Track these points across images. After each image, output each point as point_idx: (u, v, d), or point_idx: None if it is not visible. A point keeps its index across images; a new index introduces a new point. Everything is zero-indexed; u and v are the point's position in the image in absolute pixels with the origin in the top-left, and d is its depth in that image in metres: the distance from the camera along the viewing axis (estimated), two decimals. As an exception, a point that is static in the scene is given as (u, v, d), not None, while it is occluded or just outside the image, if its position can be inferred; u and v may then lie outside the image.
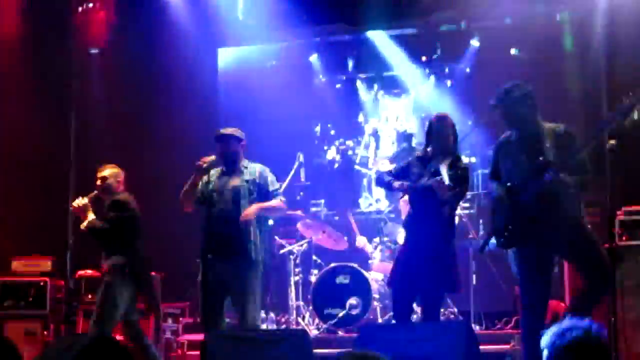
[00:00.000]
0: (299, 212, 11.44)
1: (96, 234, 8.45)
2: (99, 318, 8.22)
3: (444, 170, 7.23)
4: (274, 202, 7.92)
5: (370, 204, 12.21)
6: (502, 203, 6.95)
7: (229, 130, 8.06)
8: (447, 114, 7.68)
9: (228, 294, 7.68)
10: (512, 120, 6.98)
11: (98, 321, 8.21)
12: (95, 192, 8.66)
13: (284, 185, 11.32)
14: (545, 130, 6.86)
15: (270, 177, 8.04)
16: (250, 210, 7.71)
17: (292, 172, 11.63)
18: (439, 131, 7.42)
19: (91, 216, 8.45)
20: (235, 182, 7.87)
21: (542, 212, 6.71)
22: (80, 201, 8.52)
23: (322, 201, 12.53)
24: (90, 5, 11.80)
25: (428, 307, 7.41)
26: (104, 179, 8.68)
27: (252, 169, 8.00)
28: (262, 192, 7.89)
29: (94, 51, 12.46)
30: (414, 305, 8.22)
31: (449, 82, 13.10)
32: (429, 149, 7.47)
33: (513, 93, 6.87)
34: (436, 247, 7.31)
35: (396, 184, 7.46)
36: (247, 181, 7.89)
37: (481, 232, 10.74)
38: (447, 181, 7.13)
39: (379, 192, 12.39)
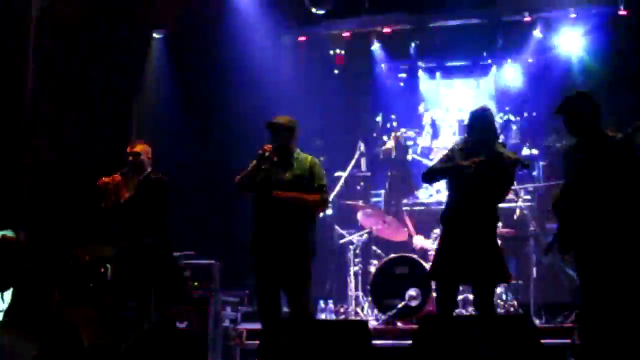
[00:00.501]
0: (359, 203, 11.41)
1: (137, 209, 8.42)
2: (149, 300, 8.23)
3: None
4: (311, 196, 7.66)
5: (431, 195, 12.12)
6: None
7: (280, 120, 7.86)
8: (487, 107, 7.66)
9: (281, 284, 7.63)
10: (575, 129, 7.05)
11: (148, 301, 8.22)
12: (126, 168, 8.61)
13: (345, 174, 11.31)
14: (607, 140, 6.88)
15: (318, 171, 7.79)
16: (287, 193, 7.59)
17: (353, 162, 11.59)
18: (480, 124, 7.41)
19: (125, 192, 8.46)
20: (285, 174, 7.70)
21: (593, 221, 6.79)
22: (113, 177, 8.45)
23: (383, 191, 12.50)
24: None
25: (482, 299, 7.33)
26: (136, 155, 8.64)
27: (303, 162, 7.79)
28: (309, 186, 7.71)
29: (158, 35, 12.57)
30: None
31: (510, 72, 13.03)
32: (469, 142, 7.45)
33: (577, 103, 6.98)
34: (482, 238, 7.27)
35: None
36: (296, 175, 7.70)
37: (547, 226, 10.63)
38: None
39: (439, 182, 12.30)
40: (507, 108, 12.53)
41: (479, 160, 7.16)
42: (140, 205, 8.43)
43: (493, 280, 7.45)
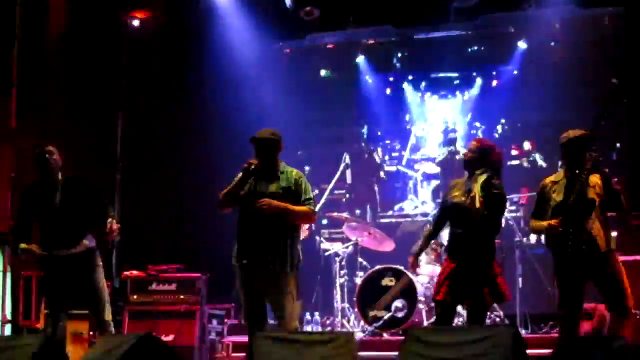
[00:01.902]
0: (344, 215, 11.42)
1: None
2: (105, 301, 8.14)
3: (476, 190, 7.30)
4: (298, 208, 7.62)
5: (417, 207, 12.16)
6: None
7: (264, 134, 7.83)
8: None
9: (266, 297, 7.63)
10: (573, 163, 7.38)
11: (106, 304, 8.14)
12: None
13: (330, 186, 11.31)
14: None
15: (304, 185, 7.76)
16: (275, 203, 7.54)
17: (338, 174, 11.60)
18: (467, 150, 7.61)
19: None
20: (271, 188, 7.66)
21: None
22: None
23: (368, 204, 12.53)
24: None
25: (474, 316, 7.40)
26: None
27: (289, 175, 7.77)
28: (295, 200, 7.68)
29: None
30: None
31: (494, 83, 13.09)
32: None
33: (582, 141, 7.28)
34: (478, 266, 7.39)
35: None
36: (282, 188, 7.67)
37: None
38: (477, 204, 7.19)
39: (425, 194, 12.34)
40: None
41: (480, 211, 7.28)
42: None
43: (488, 302, 7.47)
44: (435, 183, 12.79)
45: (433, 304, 9.97)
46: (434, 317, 9.67)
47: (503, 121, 12.78)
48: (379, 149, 13.11)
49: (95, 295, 8.07)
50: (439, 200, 10.25)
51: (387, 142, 13.00)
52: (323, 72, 13.71)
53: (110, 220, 7.92)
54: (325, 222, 12.20)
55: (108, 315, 8.08)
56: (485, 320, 7.57)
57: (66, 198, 8.02)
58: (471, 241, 7.36)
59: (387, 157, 13.28)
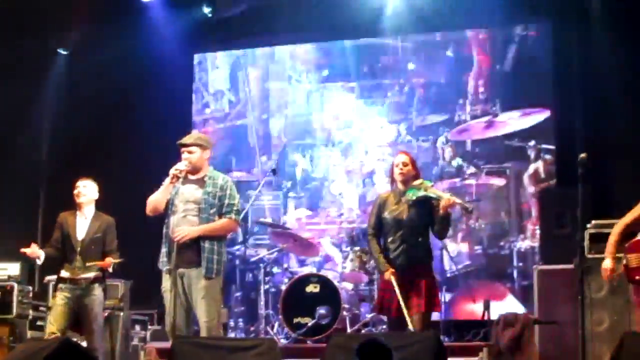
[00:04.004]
0: (269, 220, 11.41)
1: None
2: None
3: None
4: (218, 224, 7.64)
5: (342, 214, 12.19)
6: None
7: (192, 138, 7.89)
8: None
9: (190, 302, 7.60)
10: None
11: None
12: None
13: (256, 192, 11.29)
14: None
15: (230, 191, 7.75)
16: (189, 233, 7.50)
17: (263, 181, 11.58)
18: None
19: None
20: (197, 194, 7.66)
21: None
22: None
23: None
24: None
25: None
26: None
27: (215, 181, 7.75)
28: (221, 206, 7.70)
29: (62, 52, 12.45)
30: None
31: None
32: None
33: None
34: (419, 272, 7.63)
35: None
36: (209, 193, 7.66)
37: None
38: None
39: (350, 201, 12.37)
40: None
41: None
42: None
43: (429, 310, 7.67)
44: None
45: (356, 311, 10.07)
46: (358, 324, 9.81)
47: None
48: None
49: None
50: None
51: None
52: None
53: None
54: (257, 229, 12.17)
55: None
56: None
57: None
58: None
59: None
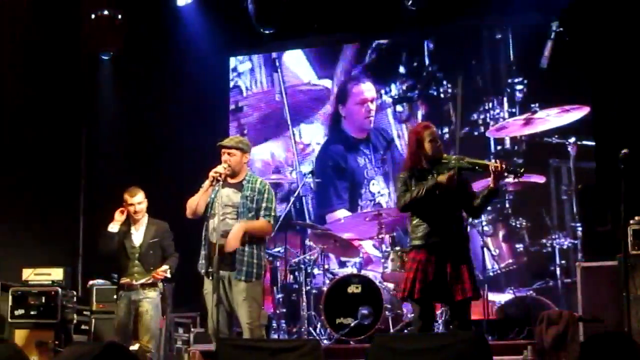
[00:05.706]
0: (309, 223, 11.41)
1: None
2: None
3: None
4: (257, 224, 7.70)
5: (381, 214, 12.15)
6: None
7: (234, 140, 7.94)
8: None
9: (232, 305, 7.63)
10: None
11: None
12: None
13: (295, 195, 11.31)
14: None
15: (268, 195, 7.78)
16: (234, 240, 7.55)
17: (302, 182, 11.59)
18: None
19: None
20: (235, 197, 7.73)
21: None
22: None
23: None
24: (105, 12, 11.84)
25: (461, 318, 7.36)
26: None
27: (253, 185, 7.79)
28: (258, 210, 7.74)
29: (105, 57, 12.53)
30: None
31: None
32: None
33: None
34: (459, 256, 7.31)
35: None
36: (247, 197, 7.72)
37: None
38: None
39: (389, 200, 12.34)
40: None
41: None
42: None
43: (469, 299, 7.35)
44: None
45: (399, 311, 10.04)
46: (400, 324, 9.78)
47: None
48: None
49: None
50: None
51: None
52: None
53: None
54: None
55: None
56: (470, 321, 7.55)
57: None
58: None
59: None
